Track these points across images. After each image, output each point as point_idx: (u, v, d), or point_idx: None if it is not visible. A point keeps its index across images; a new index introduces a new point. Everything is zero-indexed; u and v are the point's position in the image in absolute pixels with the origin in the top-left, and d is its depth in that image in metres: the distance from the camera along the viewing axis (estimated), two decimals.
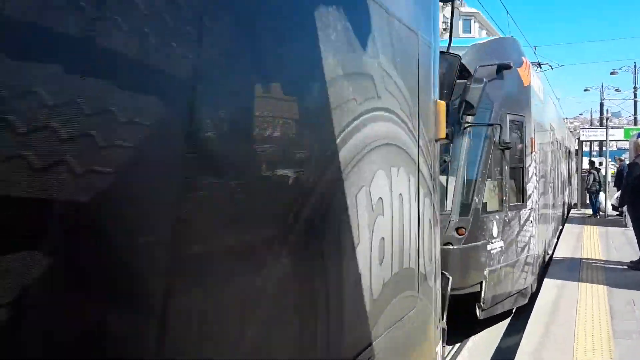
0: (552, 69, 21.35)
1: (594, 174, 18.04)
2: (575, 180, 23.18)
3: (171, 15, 1.06)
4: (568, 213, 18.72)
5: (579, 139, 22.98)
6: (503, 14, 18.31)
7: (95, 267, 0.90)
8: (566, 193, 17.62)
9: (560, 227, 14.78)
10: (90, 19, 0.89)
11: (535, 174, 8.24)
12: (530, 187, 7.78)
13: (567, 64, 70.10)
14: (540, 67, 17.66)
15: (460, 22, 44.30)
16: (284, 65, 1.48)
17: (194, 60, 1.12)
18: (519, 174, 7.48)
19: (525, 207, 7.65)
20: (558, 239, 13.00)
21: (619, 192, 13.16)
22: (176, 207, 1.06)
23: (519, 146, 7.51)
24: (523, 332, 6.05)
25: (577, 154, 23.47)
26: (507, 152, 6.94)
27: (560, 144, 14.17)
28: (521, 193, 7.51)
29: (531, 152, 7.91)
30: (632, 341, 5.36)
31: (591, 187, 17.95)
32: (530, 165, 7.82)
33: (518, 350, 5.44)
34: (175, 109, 1.08)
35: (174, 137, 1.07)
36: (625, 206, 10.27)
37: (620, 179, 14.99)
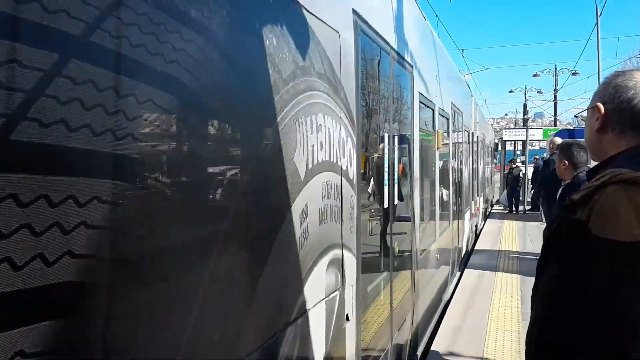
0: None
1: (512, 171, 19.02)
2: (497, 178, 24.40)
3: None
4: (491, 209, 19.76)
5: (501, 138, 24.19)
6: (433, 17, 19.03)
7: None
8: (487, 190, 18.44)
9: (483, 222, 15.64)
10: None
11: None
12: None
13: (493, 67, 73.22)
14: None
15: None
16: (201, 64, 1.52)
17: (103, 60, 1.15)
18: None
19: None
20: (480, 233, 13.78)
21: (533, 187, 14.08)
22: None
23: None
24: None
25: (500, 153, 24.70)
26: None
27: (482, 143, 14.96)
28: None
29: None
30: None
31: (511, 184, 18.88)
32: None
33: (435, 339, 5.91)
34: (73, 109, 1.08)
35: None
36: (540, 200, 11.02)
37: (536, 176, 15.95)
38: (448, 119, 7.03)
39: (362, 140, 2.94)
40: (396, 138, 3.72)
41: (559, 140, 11.93)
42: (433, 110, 5.69)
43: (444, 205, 6.59)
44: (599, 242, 1.28)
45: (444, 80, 6.87)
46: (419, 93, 4.72)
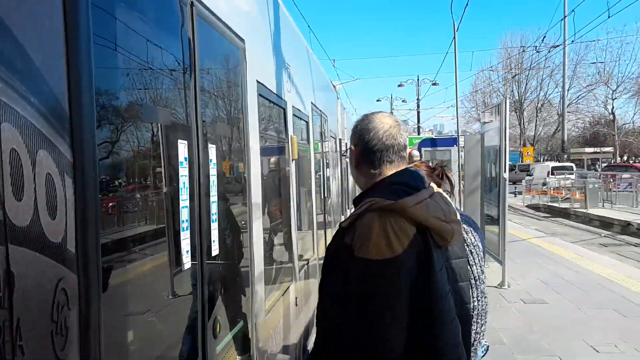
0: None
1: None
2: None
3: None
4: None
5: None
6: (305, 28, 18.52)
7: None
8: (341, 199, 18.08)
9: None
10: None
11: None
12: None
13: (362, 77, 75.66)
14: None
15: None
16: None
17: None
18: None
19: None
20: None
21: None
22: None
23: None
24: None
25: None
26: None
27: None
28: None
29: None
30: None
31: None
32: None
33: None
34: None
35: None
36: None
37: None
38: (307, 122, 5.77)
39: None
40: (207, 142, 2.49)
41: (415, 152, 12.04)
42: (284, 109, 4.35)
43: (303, 223, 5.51)
44: (358, 260, 1.58)
45: (301, 73, 5.57)
46: (258, 82, 3.27)
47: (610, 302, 7.35)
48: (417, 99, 44.58)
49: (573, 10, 24.13)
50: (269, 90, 3.72)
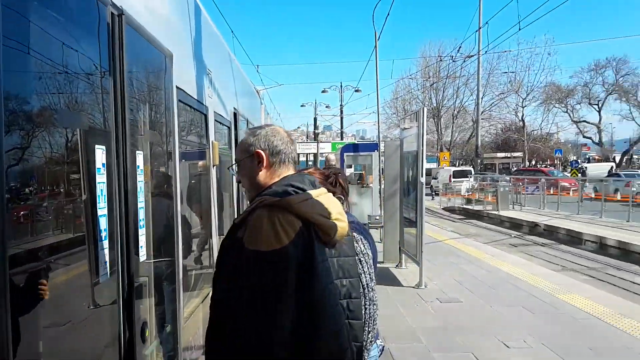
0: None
1: None
2: None
3: None
4: None
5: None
6: (229, 34, 18.32)
7: None
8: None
9: None
10: None
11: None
12: None
13: (287, 83, 75.84)
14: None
15: None
16: None
17: None
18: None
19: None
20: None
21: None
22: None
23: None
24: None
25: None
26: None
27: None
28: None
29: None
30: None
31: None
32: None
33: None
34: None
35: None
36: None
37: None
38: (230, 128, 5.77)
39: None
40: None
41: (332, 157, 12.33)
42: (205, 115, 4.32)
43: (224, 229, 5.45)
44: (249, 252, 1.73)
45: (223, 79, 5.59)
46: (177, 88, 3.26)
47: (518, 300, 7.83)
48: (341, 105, 45.24)
49: (487, 23, 25.37)
50: (190, 96, 3.69)
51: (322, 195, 1.95)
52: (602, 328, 6.44)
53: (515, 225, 21.11)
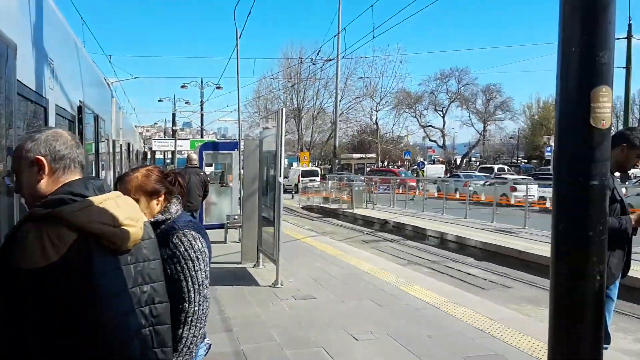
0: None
1: None
2: None
3: None
4: None
5: (150, 148, 23.62)
6: (77, 20, 16.96)
7: None
8: None
9: None
10: None
11: None
12: None
13: (143, 76, 72.28)
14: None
15: None
16: None
17: None
18: None
19: None
20: None
21: None
22: None
23: None
24: None
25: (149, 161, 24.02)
26: None
27: (128, 152, 13.82)
28: None
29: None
30: None
31: None
32: None
33: None
34: None
35: None
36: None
37: None
38: (74, 122, 5.35)
39: None
40: None
41: (194, 155, 12.06)
42: (45, 107, 3.96)
43: None
44: (9, 270, 1.58)
45: (68, 69, 5.20)
46: (19, 82, 3.02)
47: (368, 293, 8.27)
48: (201, 102, 44.13)
49: (344, 29, 26.55)
50: (28, 87, 3.36)
51: (107, 201, 1.79)
52: (440, 316, 7.04)
53: (368, 222, 22.29)
